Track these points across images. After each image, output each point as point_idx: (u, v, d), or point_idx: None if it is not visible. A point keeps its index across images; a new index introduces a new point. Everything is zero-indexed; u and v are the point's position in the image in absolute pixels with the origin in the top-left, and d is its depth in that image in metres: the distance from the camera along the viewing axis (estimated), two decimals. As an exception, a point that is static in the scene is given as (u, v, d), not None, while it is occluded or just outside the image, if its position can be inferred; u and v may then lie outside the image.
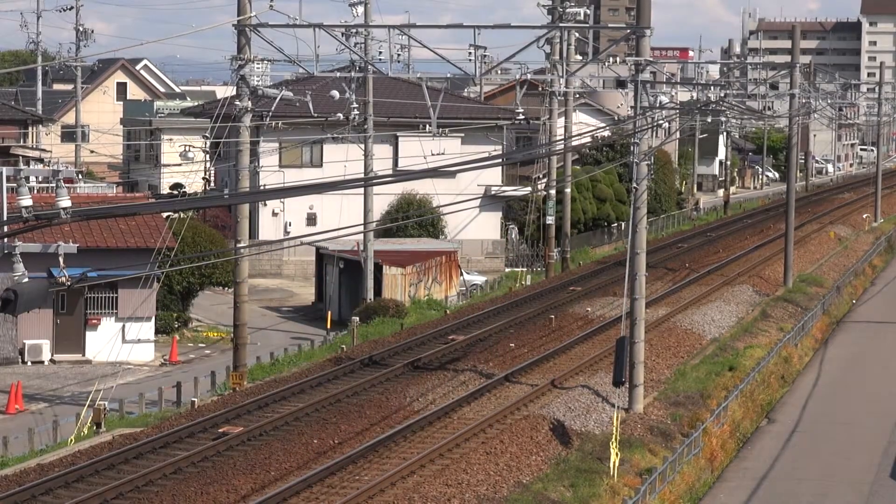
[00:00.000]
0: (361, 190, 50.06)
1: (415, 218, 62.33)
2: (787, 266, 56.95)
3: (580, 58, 64.75)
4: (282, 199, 63.51)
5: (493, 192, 67.80)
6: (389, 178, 51.38)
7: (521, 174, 73.69)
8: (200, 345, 49.61)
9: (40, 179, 43.96)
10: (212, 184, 66.38)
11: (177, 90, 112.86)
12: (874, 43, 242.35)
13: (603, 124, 72.91)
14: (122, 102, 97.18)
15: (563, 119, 61.69)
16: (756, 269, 59.85)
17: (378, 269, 52.20)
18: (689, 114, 73.01)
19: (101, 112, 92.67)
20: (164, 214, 45.84)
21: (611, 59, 42.29)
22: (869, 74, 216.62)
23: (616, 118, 79.07)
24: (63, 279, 18.73)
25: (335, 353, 39.80)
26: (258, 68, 36.99)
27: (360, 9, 47.59)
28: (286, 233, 63.54)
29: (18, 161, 52.92)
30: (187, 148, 62.96)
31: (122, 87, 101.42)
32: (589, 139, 58.73)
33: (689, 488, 29.07)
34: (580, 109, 78.39)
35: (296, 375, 36.35)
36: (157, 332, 46.99)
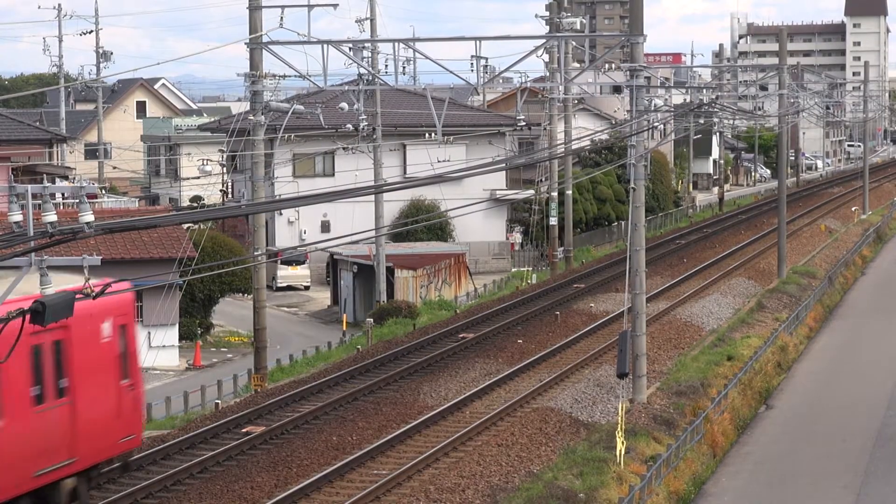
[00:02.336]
0: (372, 197, 49.97)
1: (424, 222, 63.11)
2: (781, 258, 57.28)
3: (578, 65, 65.57)
4: (296, 208, 63.66)
5: (497, 196, 67.95)
6: (398, 185, 52.43)
7: (524, 178, 74.13)
8: (223, 349, 50.00)
9: (65, 196, 43.53)
10: (230, 195, 67.24)
11: (194, 107, 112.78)
12: (858, 43, 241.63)
13: (601, 128, 73.84)
14: (141, 120, 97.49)
15: (562, 124, 62.30)
16: (751, 262, 60.27)
17: (390, 273, 52.50)
18: (684, 115, 73.93)
19: (121, 130, 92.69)
20: (185, 226, 45.85)
21: (607, 66, 43.16)
22: (854, 73, 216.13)
23: (613, 122, 79.43)
24: (88, 290, 18.99)
25: (351, 354, 40.21)
26: (270, 83, 37.66)
27: (367, 24, 49.26)
28: (301, 240, 63.69)
29: (44, 178, 52.93)
30: (205, 162, 63.91)
31: (141, 106, 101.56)
32: (588, 142, 59.64)
33: (692, 473, 29.27)
34: (579, 114, 78.25)
35: (314, 376, 36.73)
36: (180, 337, 47.13)
